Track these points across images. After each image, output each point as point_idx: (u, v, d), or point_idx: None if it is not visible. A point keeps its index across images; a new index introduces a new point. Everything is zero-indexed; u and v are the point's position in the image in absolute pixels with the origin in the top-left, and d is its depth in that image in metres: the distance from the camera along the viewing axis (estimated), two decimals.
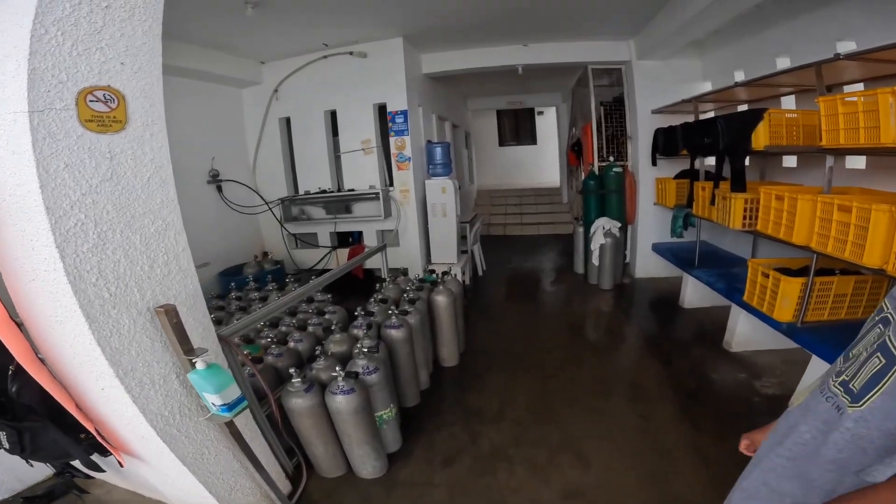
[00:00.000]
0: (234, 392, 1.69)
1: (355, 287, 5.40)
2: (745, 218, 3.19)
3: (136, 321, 1.55)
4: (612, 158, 5.36)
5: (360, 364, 2.37)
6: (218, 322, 2.99)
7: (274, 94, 4.99)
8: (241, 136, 5.15)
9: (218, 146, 4.74)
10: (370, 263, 4.46)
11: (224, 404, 1.67)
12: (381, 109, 4.94)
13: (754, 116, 3.03)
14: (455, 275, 5.11)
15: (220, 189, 4.77)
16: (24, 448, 1.70)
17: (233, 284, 3.87)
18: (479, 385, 3.31)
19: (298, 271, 5.39)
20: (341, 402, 2.18)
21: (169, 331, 1.57)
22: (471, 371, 3.56)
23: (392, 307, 2.94)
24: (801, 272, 2.76)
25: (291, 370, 2.19)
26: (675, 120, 4.43)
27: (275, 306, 2.34)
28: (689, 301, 4.50)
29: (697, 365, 3.39)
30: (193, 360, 1.60)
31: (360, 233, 5.38)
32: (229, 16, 3.41)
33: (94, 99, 1.38)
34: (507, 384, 3.28)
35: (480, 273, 6.17)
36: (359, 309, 2.92)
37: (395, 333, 2.84)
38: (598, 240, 5.19)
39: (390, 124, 4.84)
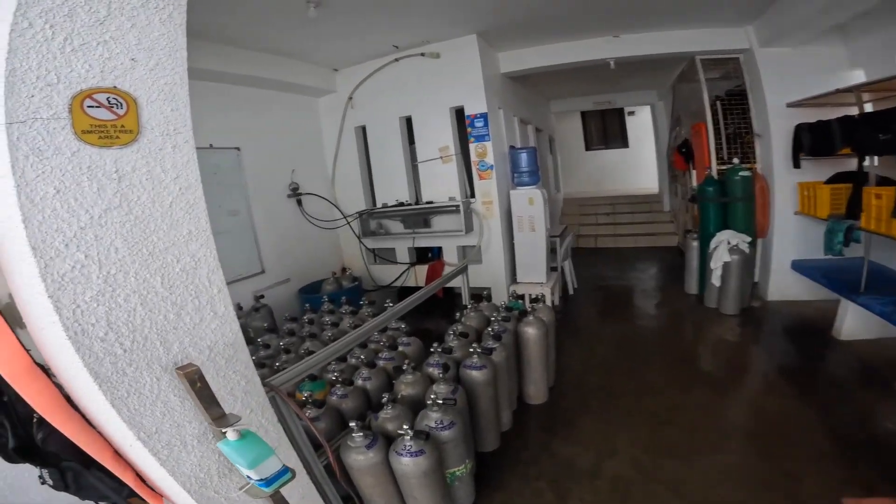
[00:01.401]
0: (273, 465, 1.32)
1: (435, 307, 5.03)
2: None
3: (161, 378, 1.22)
4: (736, 160, 4.42)
5: (432, 417, 1.93)
6: (286, 351, 2.73)
7: (349, 102, 4.81)
8: (320, 148, 5.04)
9: (297, 158, 4.65)
10: (451, 281, 4.03)
11: (261, 479, 1.31)
12: (459, 114, 4.53)
13: None
14: (544, 297, 4.52)
15: (300, 203, 4.66)
16: (68, 486, 1.53)
17: (307, 305, 3.66)
18: (571, 430, 2.76)
19: (377, 288, 5.14)
20: (408, 465, 1.80)
21: (192, 395, 1.22)
22: (561, 411, 3.00)
23: (473, 344, 2.45)
24: None
25: (352, 423, 1.80)
26: (821, 114, 3.65)
27: (326, 354, 1.96)
28: (849, 332, 3.53)
29: (866, 413, 2.57)
30: (224, 430, 1.24)
31: (440, 248, 4.98)
32: (292, 18, 3.22)
33: (95, 104, 1.06)
34: (606, 430, 2.70)
35: (571, 291, 5.46)
36: (435, 345, 2.48)
37: (477, 375, 2.37)
38: (720, 257, 4.27)
39: (469, 129, 4.39)
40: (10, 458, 1.37)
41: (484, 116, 4.32)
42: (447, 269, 4.58)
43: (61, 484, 1.44)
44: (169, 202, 1.24)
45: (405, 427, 1.74)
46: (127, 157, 1.15)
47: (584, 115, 10.53)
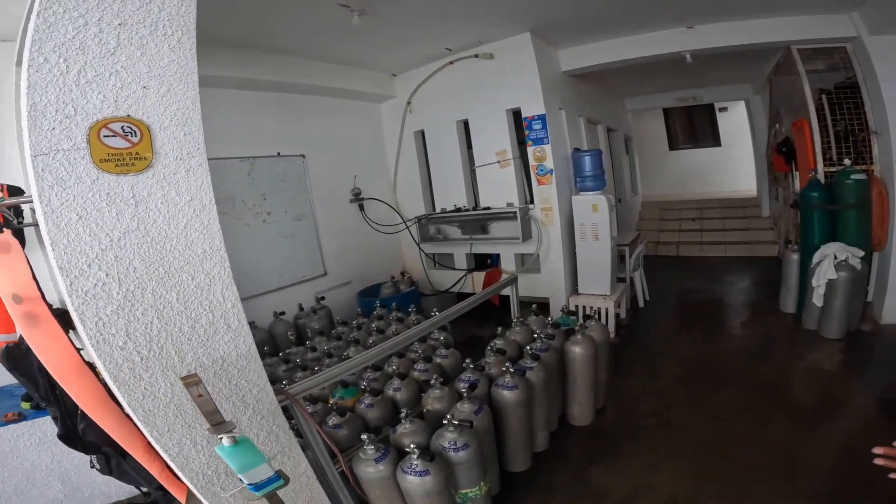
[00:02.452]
0: (264, 472, 1.37)
1: (492, 314, 4.93)
2: None
3: (175, 384, 1.32)
4: (847, 162, 3.75)
5: (447, 437, 1.88)
6: (329, 355, 2.84)
7: (407, 107, 4.87)
8: (382, 153, 5.17)
9: (360, 164, 4.82)
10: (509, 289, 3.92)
11: (252, 484, 1.37)
12: (517, 116, 4.37)
13: None
14: (600, 312, 4.23)
15: (361, 207, 4.84)
16: (112, 471, 1.72)
17: (359, 310, 3.78)
18: (611, 457, 2.55)
19: (435, 292, 5.17)
20: (413, 484, 1.79)
21: (193, 403, 1.31)
22: (605, 436, 2.78)
23: (508, 362, 2.35)
24: None
25: (363, 436, 1.81)
26: None
27: (344, 368, 1.98)
28: None
29: None
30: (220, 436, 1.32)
31: (499, 255, 4.87)
32: (341, 27, 3.28)
33: (110, 133, 1.17)
34: (650, 462, 2.45)
35: (642, 304, 5.04)
36: (467, 360, 2.41)
37: (508, 395, 2.28)
38: (825, 272, 3.67)
39: (527, 132, 4.23)
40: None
41: (542, 118, 4.14)
42: (504, 277, 4.47)
43: (106, 469, 1.63)
44: (184, 224, 1.32)
45: (412, 445, 1.72)
46: (143, 182, 1.25)
47: (666, 112, 9.64)
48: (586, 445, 2.72)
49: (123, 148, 1.19)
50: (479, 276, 4.88)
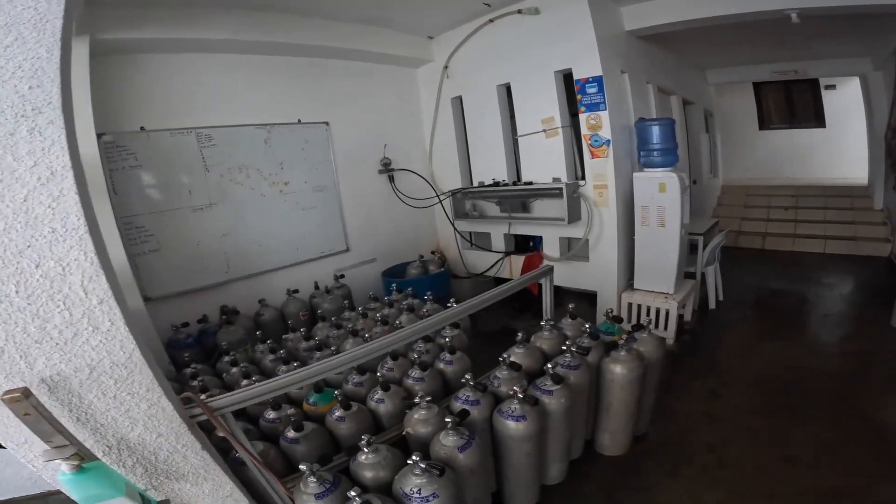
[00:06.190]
0: None
1: (530, 304, 4.42)
2: None
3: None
4: None
5: (411, 483, 1.47)
6: (318, 348, 2.54)
7: (444, 72, 4.34)
8: (418, 121, 4.72)
9: (391, 133, 4.43)
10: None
11: None
12: (567, 79, 3.69)
13: None
14: (657, 316, 3.55)
15: (391, 179, 4.47)
16: None
17: (370, 294, 3.46)
18: (642, 498, 2.09)
19: (468, 275, 4.74)
20: None
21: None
22: (638, 472, 2.27)
23: (520, 384, 1.89)
24: None
25: (302, 466, 1.47)
26: None
27: (280, 384, 1.58)
28: None
29: None
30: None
31: (541, 237, 4.29)
32: None
33: None
34: None
35: (713, 305, 4.23)
36: (466, 376, 1.97)
37: (512, 428, 1.83)
38: None
39: (579, 97, 3.54)
40: None
41: (598, 80, 3.43)
42: (545, 264, 3.91)
43: None
44: (23, 196, 1.01)
45: (352, 493, 1.33)
46: None
47: (757, 86, 8.15)
48: (612, 482, 2.23)
49: None
50: (518, 260, 4.36)
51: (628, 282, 3.90)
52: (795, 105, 8.15)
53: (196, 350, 2.87)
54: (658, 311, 3.64)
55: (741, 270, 5.25)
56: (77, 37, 2.40)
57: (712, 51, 5.48)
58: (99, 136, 2.67)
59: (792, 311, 4.17)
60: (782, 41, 4.85)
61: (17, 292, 1.03)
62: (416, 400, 1.86)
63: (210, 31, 3.01)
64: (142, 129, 2.99)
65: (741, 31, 4.01)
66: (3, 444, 1.12)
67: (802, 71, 6.45)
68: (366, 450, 1.59)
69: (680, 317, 3.73)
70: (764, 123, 8.50)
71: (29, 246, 1.03)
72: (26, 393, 0.99)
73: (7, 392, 0.98)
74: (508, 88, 4.06)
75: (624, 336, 2.27)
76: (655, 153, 3.58)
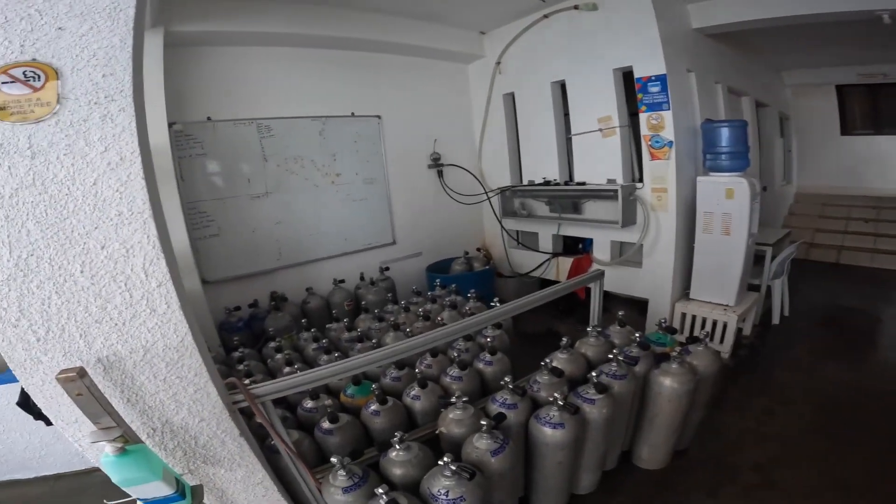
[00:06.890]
0: (155, 490, 1.16)
1: (576, 306, 4.28)
2: None
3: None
4: None
5: (439, 484, 1.45)
6: (359, 339, 2.56)
7: (496, 68, 4.24)
8: (468, 117, 4.66)
9: (442, 128, 4.41)
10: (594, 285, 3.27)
11: (146, 500, 1.18)
12: (627, 77, 3.50)
13: None
14: (714, 329, 3.32)
15: (440, 174, 4.45)
16: None
17: (414, 288, 3.46)
18: None
19: (513, 275, 4.65)
20: None
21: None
22: (675, 488, 2.15)
23: (561, 391, 1.81)
24: None
25: (333, 459, 1.47)
26: None
27: (320, 375, 1.59)
28: None
29: None
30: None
31: (592, 240, 4.12)
32: None
33: (9, 80, 0.97)
34: None
35: (777, 321, 3.91)
36: (506, 379, 1.92)
37: (549, 435, 1.76)
38: None
39: (640, 95, 3.35)
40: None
41: (661, 79, 3.22)
42: (594, 268, 3.76)
43: None
44: (93, 180, 1.06)
45: (379, 490, 1.32)
46: (43, 131, 1.02)
47: (841, 89, 7.39)
48: (646, 496, 2.13)
49: (23, 94, 0.99)
50: (566, 262, 4.22)
51: (683, 291, 3.67)
52: (883, 110, 7.40)
53: (245, 334, 2.99)
54: (715, 324, 3.41)
55: (811, 285, 4.83)
56: (152, 28, 2.55)
57: (790, 51, 5.05)
58: (170, 124, 2.83)
59: (863, 332, 3.79)
60: (870, 42, 4.38)
61: (81, 272, 1.09)
62: (453, 399, 1.83)
63: (270, 24, 3.11)
64: (208, 119, 3.14)
65: (823, 30, 3.66)
66: (53, 422, 1.18)
67: (893, 74, 5.88)
68: (398, 447, 1.58)
69: (739, 330, 3.47)
70: (847, 129, 7.76)
71: (96, 227, 1.08)
72: (81, 373, 1.04)
73: (63, 371, 1.04)
74: (563, 86, 3.91)
75: (677, 348, 2.13)
76: (723, 156, 3.35)
